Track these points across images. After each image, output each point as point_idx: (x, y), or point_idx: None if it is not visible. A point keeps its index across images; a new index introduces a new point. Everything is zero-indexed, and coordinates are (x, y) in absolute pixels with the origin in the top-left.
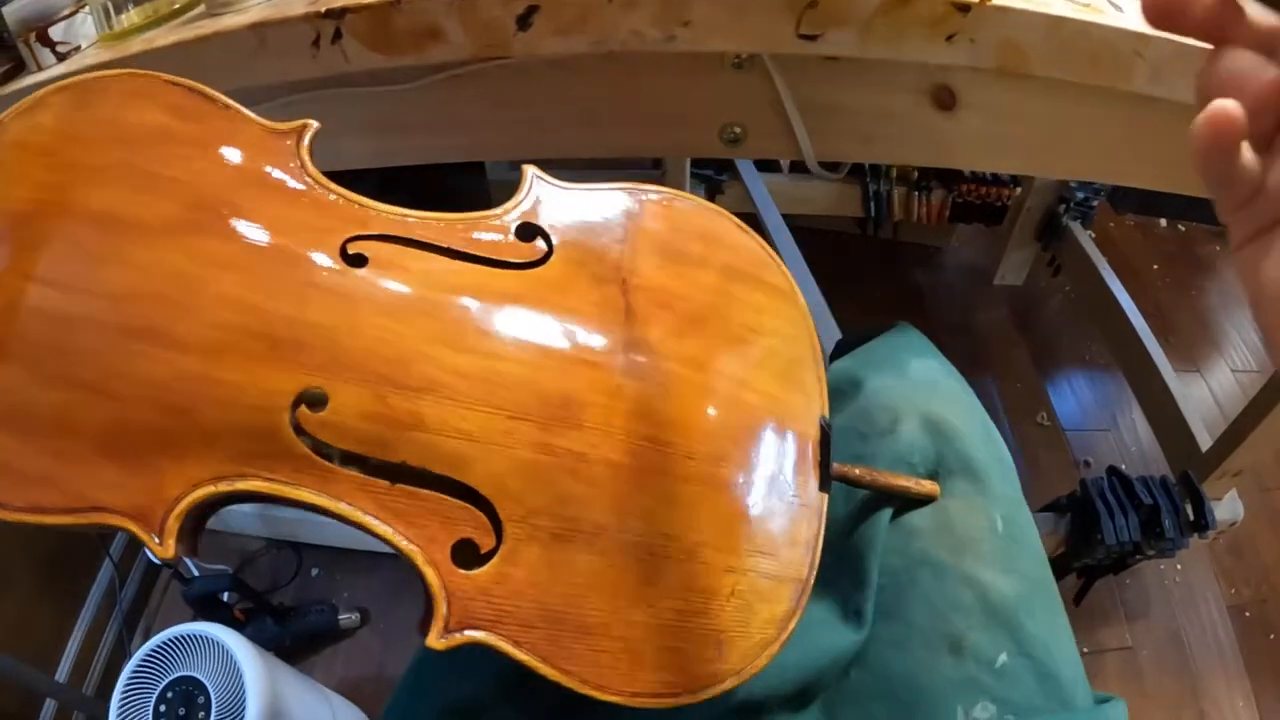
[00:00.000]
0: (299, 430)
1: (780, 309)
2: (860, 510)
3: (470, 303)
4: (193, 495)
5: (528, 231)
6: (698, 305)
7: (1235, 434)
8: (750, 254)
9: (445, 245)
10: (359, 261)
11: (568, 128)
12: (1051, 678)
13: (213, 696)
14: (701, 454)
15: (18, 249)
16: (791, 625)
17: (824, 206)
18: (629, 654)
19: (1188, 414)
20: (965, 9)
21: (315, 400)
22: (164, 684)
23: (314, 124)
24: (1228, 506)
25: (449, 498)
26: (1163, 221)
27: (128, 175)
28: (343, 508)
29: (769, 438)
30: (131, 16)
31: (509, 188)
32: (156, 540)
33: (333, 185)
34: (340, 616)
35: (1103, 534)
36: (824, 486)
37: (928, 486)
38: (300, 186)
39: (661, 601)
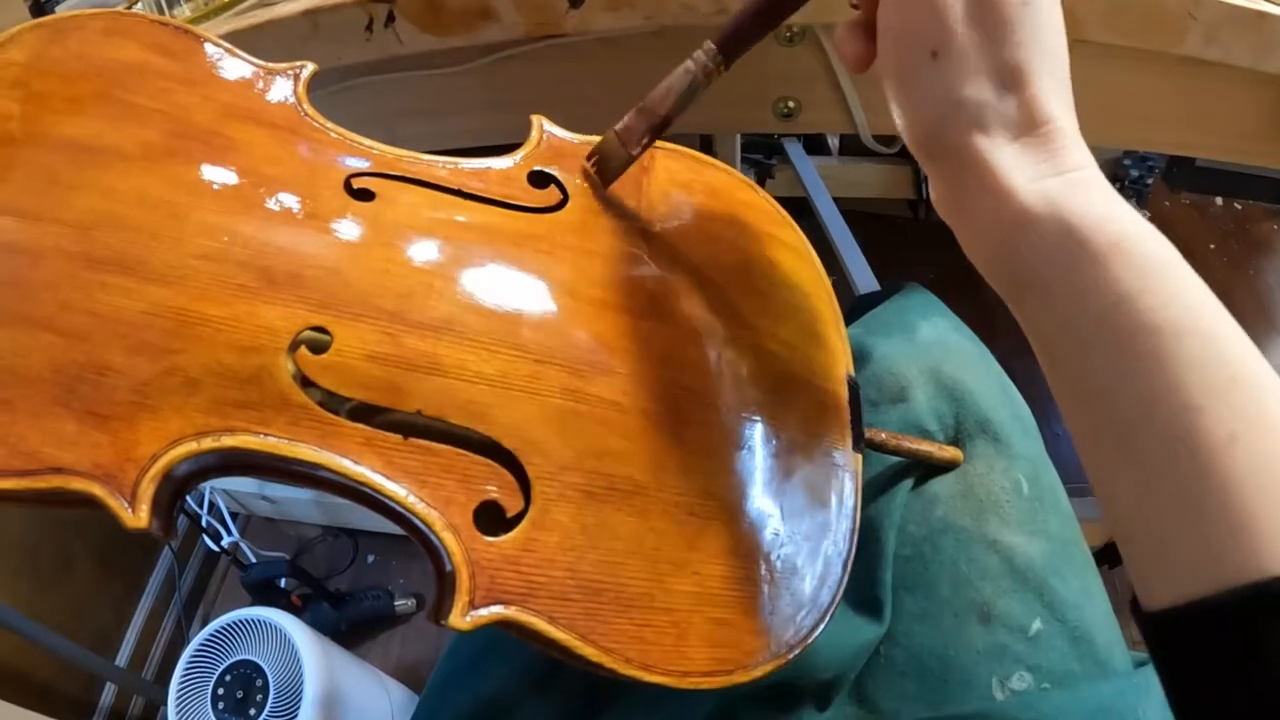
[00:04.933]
0: (298, 375)
1: (796, 265)
2: (875, 484)
3: (486, 241)
4: (172, 453)
5: (541, 179)
6: (714, 256)
7: None
8: (762, 210)
9: (456, 186)
10: (365, 196)
11: (619, 106)
12: (1086, 641)
13: (271, 679)
14: (732, 404)
15: None
16: (839, 592)
17: (875, 189)
18: (676, 628)
19: None
20: None
21: (317, 342)
22: (223, 667)
23: (311, 65)
24: None
25: (469, 454)
26: (1219, 200)
27: (104, 105)
28: (347, 466)
29: (799, 390)
30: (184, 10)
31: None
32: (127, 507)
33: (333, 125)
34: (396, 602)
35: None
36: (857, 446)
37: (950, 452)
38: (298, 122)
39: (707, 567)
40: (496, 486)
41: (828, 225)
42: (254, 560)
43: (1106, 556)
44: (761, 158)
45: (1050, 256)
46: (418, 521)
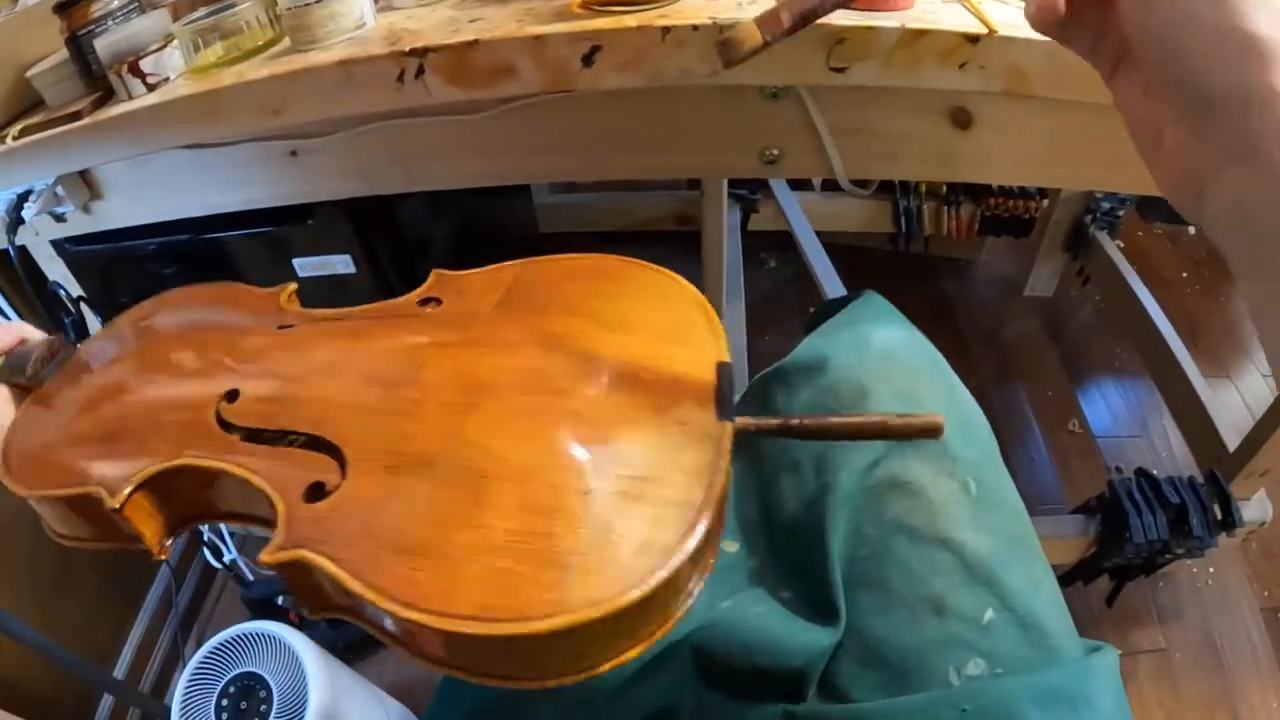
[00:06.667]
0: (219, 417)
1: (644, 293)
2: (804, 498)
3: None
4: (142, 472)
5: (427, 300)
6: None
7: (1260, 433)
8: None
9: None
10: (285, 327)
11: (617, 152)
12: (1037, 629)
13: (274, 691)
14: (539, 389)
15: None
16: (681, 554)
17: (856, 223)
18: (449, 574)
19: (1214, 415)
20: (975, 40)
21: (233, 397)
22: (227, 678)
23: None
24: (1256, 506)
25: (306, 450)
26: (1191, 230)
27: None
28: (239, 470)
29: (639, 377)
30: (216, 49)
31: (553, 210)
32: (110, 496)
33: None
34: None
35: (1130, 533)
36: (723, 415)
37: (922, 420)
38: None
39: (492, 522)
40: (322, 471)
41: (810, 258)
42: (253, 578)
43: (1080, 573)
44: (746, 192)
45: None
46: (265, 495)
